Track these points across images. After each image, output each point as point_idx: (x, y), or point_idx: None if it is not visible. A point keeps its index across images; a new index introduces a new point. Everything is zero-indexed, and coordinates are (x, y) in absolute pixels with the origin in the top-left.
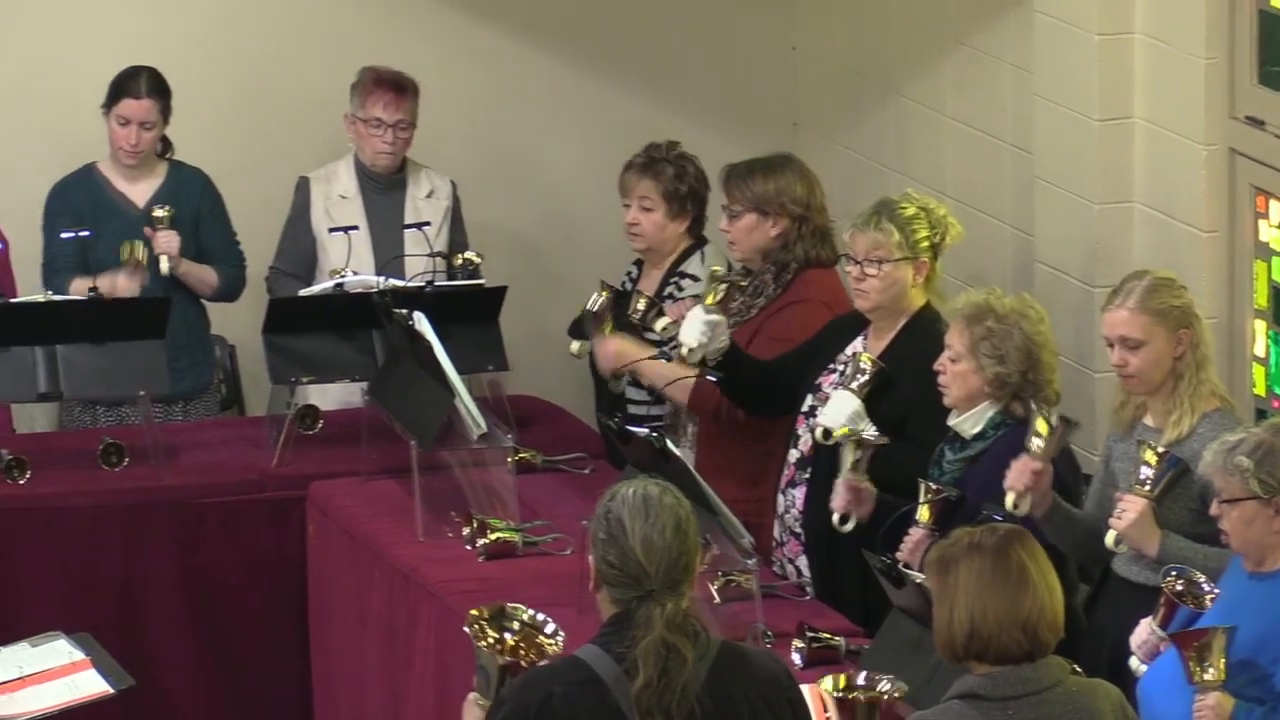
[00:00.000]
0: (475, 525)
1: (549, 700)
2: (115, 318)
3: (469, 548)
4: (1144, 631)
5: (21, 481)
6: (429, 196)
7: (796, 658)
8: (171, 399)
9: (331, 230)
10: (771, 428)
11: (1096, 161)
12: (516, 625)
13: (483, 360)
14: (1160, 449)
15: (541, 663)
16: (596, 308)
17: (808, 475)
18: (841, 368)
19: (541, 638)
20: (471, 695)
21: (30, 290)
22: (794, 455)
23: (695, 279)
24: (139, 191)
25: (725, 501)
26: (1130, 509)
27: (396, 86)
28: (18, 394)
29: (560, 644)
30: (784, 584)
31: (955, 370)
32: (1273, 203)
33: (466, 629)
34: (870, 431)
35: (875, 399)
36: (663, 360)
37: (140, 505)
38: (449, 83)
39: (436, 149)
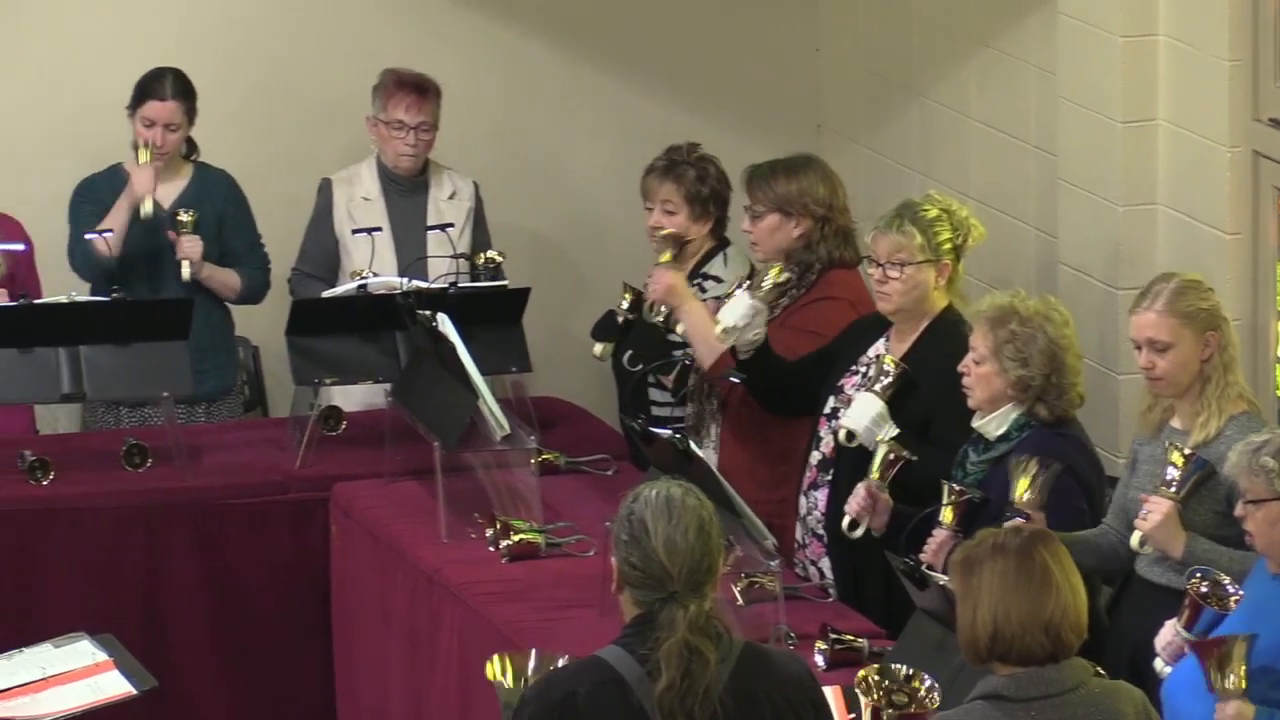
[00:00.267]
0: (498, 527)
1: (572, 700)
2: (139, 319)
3: (492, 549)
4: (1168, 633)
5: (45, 482)
6: (451, 198)
7: (819, 659)
8: (195, 400)
9: (354, 232)
10: (793, 429)
11: (1120, 163)
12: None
13: (506, 362)
14: (1187, 451)
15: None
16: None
17: (830, 477)
18: (864, 370)
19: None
20: None
21: (54, 291)
22: (816, 457)
23: (718, 280)
24: (163, 193)
25: (747, 503)
26: (1156, 510)
27: (418, 89)
28: (41, 395)
29: None
30: (807, 585)
31: (979, 372)
32: None
33: (489, 676)
34: (877, 432)
35: (898, 401)
36: (708, 313)
37: (163, 506)
38: (472, 84)
39: (459, 150)
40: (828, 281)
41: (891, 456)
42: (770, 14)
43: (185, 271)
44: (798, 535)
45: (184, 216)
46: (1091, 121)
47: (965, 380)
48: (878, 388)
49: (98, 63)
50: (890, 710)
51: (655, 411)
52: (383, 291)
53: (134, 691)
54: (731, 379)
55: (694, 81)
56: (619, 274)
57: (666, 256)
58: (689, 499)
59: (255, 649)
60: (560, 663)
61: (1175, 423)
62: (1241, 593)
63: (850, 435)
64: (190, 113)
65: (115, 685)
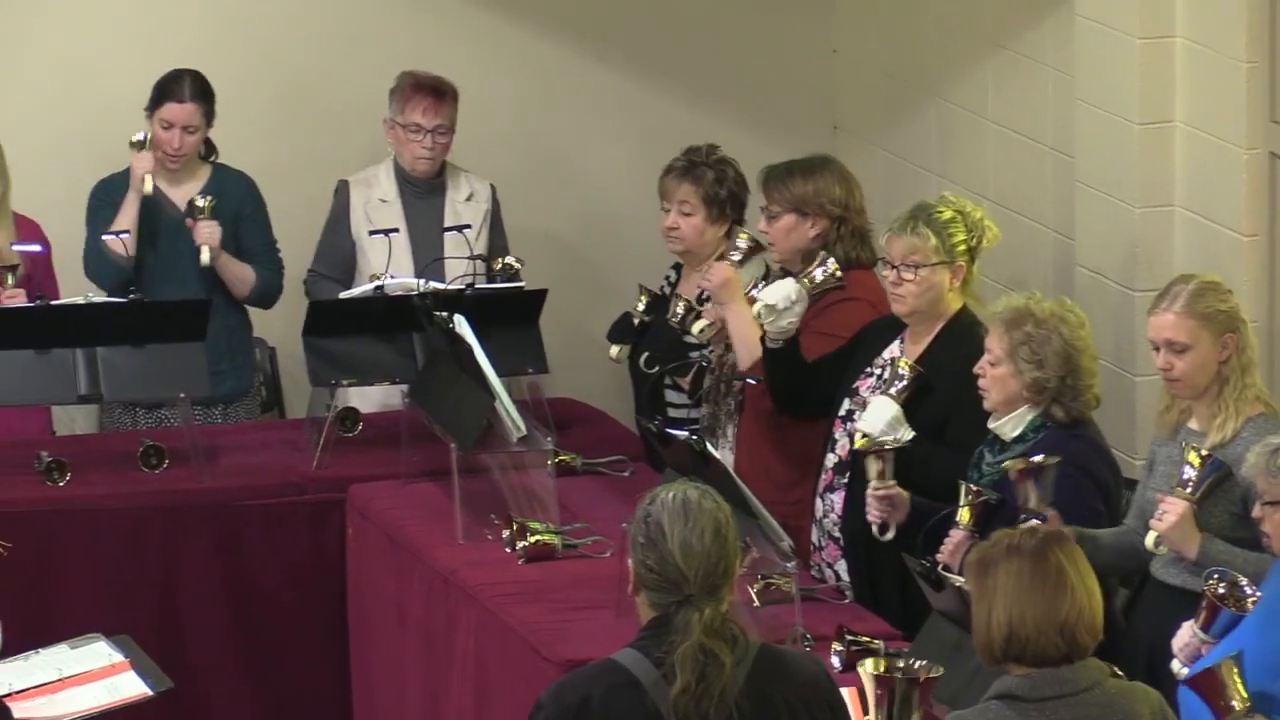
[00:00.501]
0: (515, 528)
1: (587, 703)
2: (156, 320)
3: (509, 550)
4: (1186, 634)
5: (62, 484)
6: (468, 200)
7: (836, 661)
8: (212, 402)
9: (371, 233)
10: (810, 430)
11: (1137, 165)
12: None
13: (522, 363)
14: (1203, 452)
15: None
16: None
17: (846, 480)
18: (879, 372)
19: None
20: None
21: (72, 292)
22: (832, 459)
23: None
24: (181, 194)
25: (763, 504)
26: (1171, 511)
27: (436, 92)
28: (58, 396)
29: None
30: (823, 587)
31: (994, 374)
32: None
33: None
34: (893, 435)
35: (914, 404)
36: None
37: (180, 507)
38: (488, 86)
39: (476, 152)
40: (847, 282)
41: (882, 461)
42: (787, 15)
43: (205, 257)
44: (814, 537)
45: (201, 202)
46: (1108, 123)
47: (981, 382)
48: (893, 390)
49: (116, 64)
50: (899, 674)
51: (672, 413)
52: (399, 293)
53: (150, 693)
54: (749, 380)
55: (710, 83)
56: (635, 276)
57: (809, 282)
58: (705, 501)
59: (271, 650)
60: None
61: (1192, 424)
62: (1259, 593)
63: (865, 438)
64: (208, 114)
65: (132, 686)
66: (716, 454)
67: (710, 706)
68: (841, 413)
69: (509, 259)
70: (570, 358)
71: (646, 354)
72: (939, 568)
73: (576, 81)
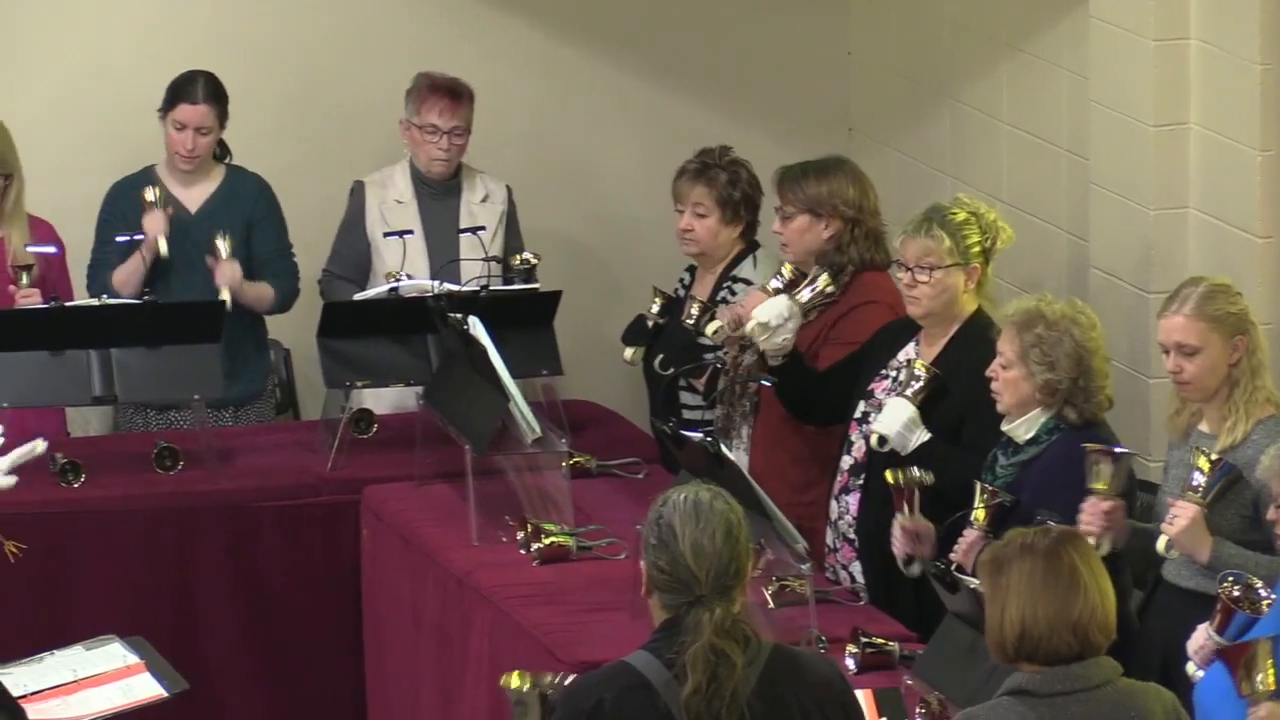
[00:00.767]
0: (529, 530)
1: (600, 706)
2: (170, 322)
3: (523, 552)
4: (1201, 637)
5: (76, 485)
6: (484, 201)
7: (850, 663)
8: (226, 404)
9: (386, 234)
10: (825, 432)
11: (1151, 167)
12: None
13: (537, 365)
14: (1213, 456)
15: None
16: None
17: (861, 481)
18: (894, 374)
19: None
20: None
21: (86, 294)
22: (847, 461)
23: (748, 283)
24: (193, 195)
25: (778, 505)
26: (1182, 515)
27: (452, 93)
28: (73, 398)
29: None
30: (838, 589)
31: (1006, 377)
32: None
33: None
34: (910, 437)
35: (929, 405)
36: (748, 332)
37: (194, 509)
38: (504, 88)
39: (491, 153)
40: (862, 284)
41: (913, 486)
42: (802, 17)
43: (225, 295)
44: (829, 539)
45: (221, 243)
46: (1123, 125)
47: (993, 385)
48: (909, 392)
49: (130, 66)
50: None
51: (686, 415)
52: (414, 294)
53: (165, 694)
54: (764, 382)
55: (726, 84)
56: (650, 278)
57: (804, 296)
58: (718, 503)
59: (286, 652)
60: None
61: (1203, 426)
62: (1274, 596)
63: (882, 440)
64: (222, 116)
65: (146, 688)
66: (731, 456)
67: (722, 707)
68: (857, 415)
69: (526, 254)
70: (585, 359)
71: (661, 356)
72: (953, 568)
73: (592, 83)
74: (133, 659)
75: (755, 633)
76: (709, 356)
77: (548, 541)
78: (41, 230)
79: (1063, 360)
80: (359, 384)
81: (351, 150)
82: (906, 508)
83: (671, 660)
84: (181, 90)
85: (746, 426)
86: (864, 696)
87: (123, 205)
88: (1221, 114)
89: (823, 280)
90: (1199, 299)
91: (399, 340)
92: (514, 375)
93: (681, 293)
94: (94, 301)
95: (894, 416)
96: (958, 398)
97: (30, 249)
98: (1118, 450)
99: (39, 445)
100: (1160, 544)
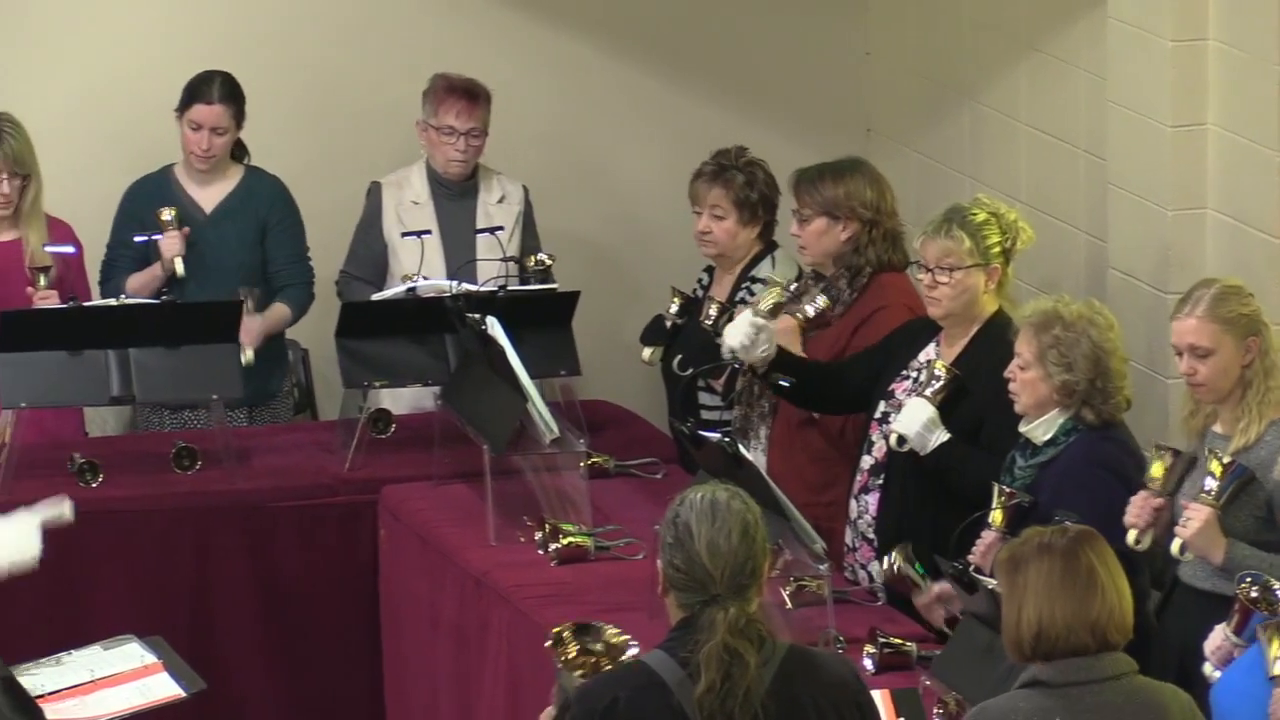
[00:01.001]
0: (547, 530)
1: (614, 705)
2: (188, 322)
3: (541, 552)
4: (1218, 637)
5: (94, 485)
6: (501, 202)
7: (868, 663)
8: (243, 403)
9: (404, 235)
10: (843, 433)
11: (1170, 167)
12: (600, 645)
13: (555, 365)
14: (1226, 459)
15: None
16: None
17: (881, 481)
18: (915, 374)
19: (623, 660)
20: (547, 711)
21: (99, 289)
22: (867, 461)
23: (766, 284)
24: (209, 196)
25: (796, 505)
26: (1195, 517)
27: (469, 94)
28: (91, 398)
29: None
30: (856, 589)
31: (1024, 378)
32: None
33: (548, 643)
34: (929, 437)
35: (949, 406)
36: (725, 352)
37: (212, 509)
38: (521, 88)
39: (509, 154)
40: (880, 286)
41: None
42: (820, 18)
43: (249, 356)
44: (847, 539)
45: (245, 298)
46: (1141, 126)
47: (1011, 386)
48: (928, 392)
49: (147, 66)
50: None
51: (704, 415)
52: (432, 294)
53: (183, 694)
54: (782, 382)
55: (743, 85)
56: (668, 278)
57: (763, 304)
58: (734, 502)
59: (304, 652)
60: (608, 635)
61: (1217, 428)
62: None
63: (901, 440)
64: (238, 116)
65: (164, 688)
66: (749, 456)
67: (735, 706)
68: (877, 415)
69: (542, 255)
70: (603, 360)
71: (679, 356)
72: (971, 569)
73: (609, 84)
74: (150, 659)
75: (771, 633)
76: (727, 357)
77: (565, 542)
78: (60, 231)
79: (1080, 361)
80: (377, 384)
81: (368, 151)
82: (914, 590)
83: (686, 659)
84: (197, 90)
85: (765, 427)
86: (881, 697)
87: (140, 205)
88: (1240, 114)
89: (821, 300)
90: (1211, 301)
91: (417, 340)
92: (532, 375)
93: (700, 293)
94: (112, 302)
95: (913, 416)
96: (978, 398)
97: (48, 249)
98: (1177, 450)
99: (66, 510)
100: (1174, 546)
